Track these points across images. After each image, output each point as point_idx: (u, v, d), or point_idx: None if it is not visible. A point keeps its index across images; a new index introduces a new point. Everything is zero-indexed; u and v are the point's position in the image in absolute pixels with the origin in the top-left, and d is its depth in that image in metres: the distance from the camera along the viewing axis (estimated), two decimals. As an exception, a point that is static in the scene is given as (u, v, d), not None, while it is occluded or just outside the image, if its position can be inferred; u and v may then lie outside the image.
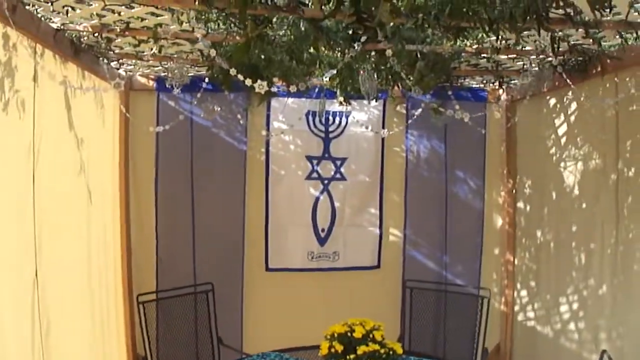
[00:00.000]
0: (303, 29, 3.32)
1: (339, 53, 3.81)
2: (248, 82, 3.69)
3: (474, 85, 6.79)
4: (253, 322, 6.79)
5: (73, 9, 4.06)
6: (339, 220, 6.92)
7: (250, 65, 4.13)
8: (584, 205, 5.68)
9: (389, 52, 3.65)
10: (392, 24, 3.16)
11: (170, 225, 6.55)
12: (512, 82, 6.51)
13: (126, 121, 6.30)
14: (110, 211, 6.19)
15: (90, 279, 5.56)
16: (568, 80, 4.90)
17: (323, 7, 2.56)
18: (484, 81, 6.60)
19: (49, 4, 3.79)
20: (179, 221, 6.57)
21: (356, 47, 3.39)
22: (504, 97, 6.81)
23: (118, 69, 6.00)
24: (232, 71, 3.87)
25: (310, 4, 2.91)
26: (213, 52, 3.89)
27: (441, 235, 6.98)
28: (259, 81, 3.66)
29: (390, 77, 4.60)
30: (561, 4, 2.81)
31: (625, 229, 5.01)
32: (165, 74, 5.85)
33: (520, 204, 6.87)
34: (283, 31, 3.40)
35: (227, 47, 4.33)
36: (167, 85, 5.33)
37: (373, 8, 2.70)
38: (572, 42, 4.70)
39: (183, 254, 6.58)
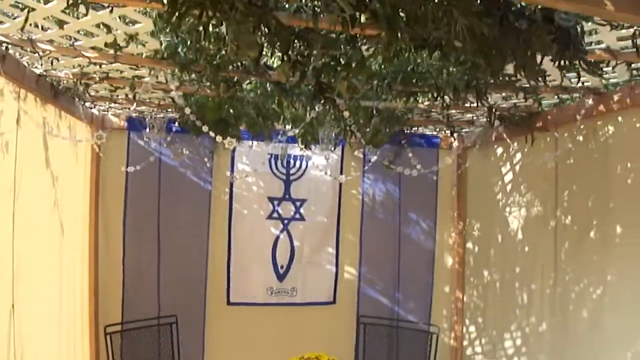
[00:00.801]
0: (269, 89, 3.69)
1: (302, 109, 4.19)
2: (219, 139, 4.05)
3: (427, 133, 7.18)
4: (215, 354, 7.06)
5: (57, 59, 4.38)
6: (298, 258, 7.26)
7: (220, 119, 4.49)
8: (526, 249, 6.10)
9: (346, 114, 4.05)
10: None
11: (136, 259, 6.82)
12: (463, 130, 6.91)
13: (98, 158, 6.60)
14: (80, 244, 6.47)
15: (60, 309, 5.83)
16: (508, 140, 5.31)
17: (287, 76, 2.93)
18: (437, 129, 7.00)
19: (35, 54, 4.09)
20: (145, 255, 6.84)
21: (316, 109, 3.77)
22: (455, 144, 7.22)
23: (91, 109, 6.30)
24: (204, 128, 4.22)
25: (276, 70, 3.28)
26: (188, 110, 4.25)
27: (394, 273, 7.34)
28: (228, 138, 4.01)
29: (348, 129, 4.98)
30: (501, 78, 3.20)
31: (562, 272, 5.42)
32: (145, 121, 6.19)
33: (469, 245, 7.27)
34: (252, 92, 3.76)
35: (198, 98, 4.68)
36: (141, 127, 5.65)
37: (333, 80, 3.09)
38: (515, 101, 5.14)
39: (148, 287, 6.83)
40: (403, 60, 3.23)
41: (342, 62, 3.01)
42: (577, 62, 2.58)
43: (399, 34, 2.32)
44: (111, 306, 6.73)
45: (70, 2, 2.72)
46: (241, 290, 7.18)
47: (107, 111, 6.61)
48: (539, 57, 2.65)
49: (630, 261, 4.56)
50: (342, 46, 2.91)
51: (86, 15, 3.09)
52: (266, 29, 2.47)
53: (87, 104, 6.07)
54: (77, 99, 5.71)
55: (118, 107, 6.24)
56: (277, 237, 7.21)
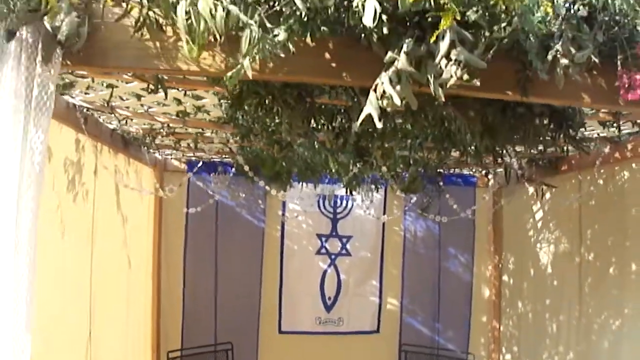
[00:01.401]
0: (316, 146, 4.28)
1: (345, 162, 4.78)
2: (273, 192, 4.67)
3: (464, 172, 7.70)
4: (267, 379, 7.65)
5: (131, 119, 5.03)
6: (344, 290, 7.83)
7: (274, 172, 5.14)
8: (555, 282, 6.58)
9: (384, 169, 4.64)
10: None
11: (195, 291, 7.46)
12: (499, 170, 7.41)
13: (160, 198, 7.24)
14: (145, 277, 7.12)
15: (127, 335, 6.49)
16: (530, 189, 5.82)
17: (332, 142, 3.53)
18: (473, 169, 7.52)
19: (112, 114, 4.73)
20: (204, 287, 7.45)
21: (358, 166, 4.36)
22: (491, 182, 7.71)
23: (155, 154, 6.96)
24: (261, 183, 4.86)
25: (322, 133, 3.85)
26: (243, 163, 4.88)
27: (434, 304, 7.84)
28: (281, 192, 4.62)
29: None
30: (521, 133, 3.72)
31: (586, 305, 5.91)
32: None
33: (505, 277, 7.74)
34: (301, 147, 4.35)
35: (254, 149, 5.30)
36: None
37: (370, 145, 3.69)
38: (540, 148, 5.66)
39: (206, 316, 7.43)
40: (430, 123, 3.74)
41: (377, 131, 3.59)
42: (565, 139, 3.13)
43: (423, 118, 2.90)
44: (172, 333, 7.35)
45: (151, 87, 3.30)
46: (292, 320, 7.76)
47: (169, 156, 7.24)
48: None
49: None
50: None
51: (165, 98, 3.71)
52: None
53: (151, 150, 6.70)
54: (143, 147, 6.34)
55: (179, 152, 6.87)
56: (325, 271, 7.78)
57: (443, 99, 2.10)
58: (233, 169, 6.44)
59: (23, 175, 2.50)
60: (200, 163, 7.04)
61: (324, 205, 7.72)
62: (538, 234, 6.94)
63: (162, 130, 5.48)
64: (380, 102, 2.09)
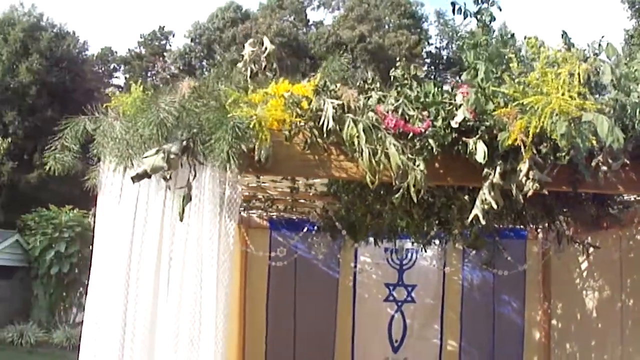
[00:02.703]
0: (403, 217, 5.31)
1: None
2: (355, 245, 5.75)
3: (516, 227, 8.59)
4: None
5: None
6: (409, 333, 8.72)
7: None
8: (599, 325, 7.42)
9: (456, 231, 5.64)
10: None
11: (276, 334, 8.43)
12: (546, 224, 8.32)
13: (246, 253, 8.23)
14: (232, 320, 8.06)
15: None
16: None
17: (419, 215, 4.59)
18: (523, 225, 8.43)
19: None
20: (284, 330, 8.39)
21: (435, 229, 5.39)
22: (540, 235, 8.61)
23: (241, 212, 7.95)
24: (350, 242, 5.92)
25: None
26: (344, 232, 5.94)
27: (490, 346, 8.63)
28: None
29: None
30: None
31: (627, 347, 6.74)
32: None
33: (553, 321, 8.56)
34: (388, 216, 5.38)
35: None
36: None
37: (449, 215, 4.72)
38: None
39: (286, 357, 8.39)
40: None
41: (456, 207, 4.61)
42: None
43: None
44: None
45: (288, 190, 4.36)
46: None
47: (253, 213, 8.25)
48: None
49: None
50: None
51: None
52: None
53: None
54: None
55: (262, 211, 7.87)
56: (392, 317, 8.70)
57: (522, 201, 3.13)
58: (315, 227, 7.40)
59: (219, 252, 3.56)
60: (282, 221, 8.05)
61: (391, 257, 8.68)
62: (583, 282, 7.78)
63: (261, 197, 6.51)
64: (482, 205, 3.12)
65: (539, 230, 8.42)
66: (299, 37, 51.10)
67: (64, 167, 4.13)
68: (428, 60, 56.96)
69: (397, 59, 3.86)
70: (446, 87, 3.67)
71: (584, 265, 7.76)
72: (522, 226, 8.30)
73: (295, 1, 56.03)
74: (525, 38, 3.42)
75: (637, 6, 38.05)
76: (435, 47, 60.12)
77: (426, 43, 57.02)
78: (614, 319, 6.95)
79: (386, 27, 53.83)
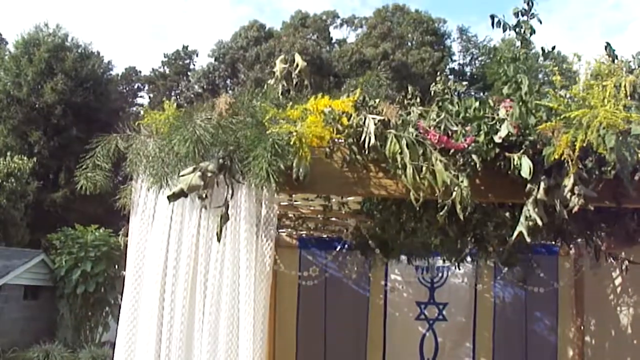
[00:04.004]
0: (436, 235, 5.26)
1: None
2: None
3: (548, 243, 8.51)
4: None
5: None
6: (441, 351, 8.62)
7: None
8: (635, 341, 7.34)
9: (490, 249, 5.57)
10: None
11: (307, 353, 8.36)
12: (579, 239, 8.22)
13: (275, 272, 8.17)
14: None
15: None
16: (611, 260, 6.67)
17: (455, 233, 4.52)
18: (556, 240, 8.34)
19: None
20: (314, 349, 8.35)
21: (470, 247, 5.32)
22: (572, 251, 8.52)
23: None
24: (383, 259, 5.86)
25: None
26: (377, 250, 5.87)
27: (523, 364, 8.62)
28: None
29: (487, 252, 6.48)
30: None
31: (663, 361, 6.69)
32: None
33: (587, 338, 8.46)
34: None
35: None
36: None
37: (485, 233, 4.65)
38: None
39: (317, 377, 8.36)
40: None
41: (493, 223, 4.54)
42: None
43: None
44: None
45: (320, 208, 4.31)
46: (395, 379, 8.60)
47: (282, 232, 8.21)
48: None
49: None
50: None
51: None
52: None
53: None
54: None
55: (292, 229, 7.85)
56: (424, 335, 8.61)
57: (566, 217, 3.06)
58: (345, 245, 7.36)
59: (256, 272, 3.51)
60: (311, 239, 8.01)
61: (422, 275, 8.61)
62: (617, 298, 7.70)
63: (292, 216, 6.47)
64: (527, 222, 3.05)
65: (571, 246, 8.34)
66: (322, 55, 51.32)
67: (96, 185, 4.10)
68: (451, 77, 56.96)
69: (435, 75, 3.82)
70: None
71: (618, 281, 7.68)
72: (554, 242, 8.24)
73: (319, 19, 56.37)
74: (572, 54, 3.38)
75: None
76: (459, 64, 60.19)
77: (449, 60, 57.07)
78: (649, 335, 6.88)
79: (409, 44, 53.96)
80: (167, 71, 57.32)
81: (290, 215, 6.45)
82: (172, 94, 54.27)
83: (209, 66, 55.96)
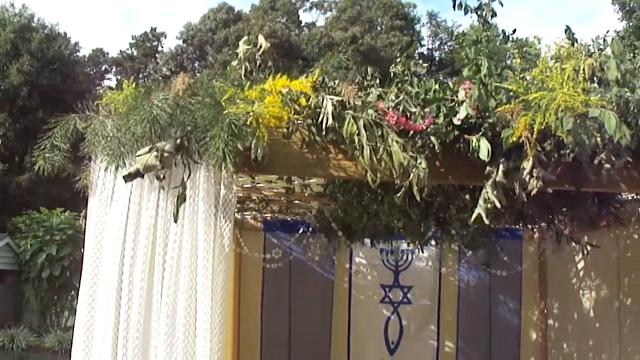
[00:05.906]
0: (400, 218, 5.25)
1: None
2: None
3: (512, 227, 8.55)
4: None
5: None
6: (406, 335, 8.65)
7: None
8: (597, 325, 7.38)
9: (453, 231, 5.57)
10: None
11: (272, 335, 8.37)
12: (542, 224, 8.27)
13: (240, 254, 8.15)
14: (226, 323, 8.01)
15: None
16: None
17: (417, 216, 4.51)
18: (519, 224, 8.38)
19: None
20: (279, 331, 8.36)
21: (432, 230, 5.32)
22: (536, 235, 8.57)
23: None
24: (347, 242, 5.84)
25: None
26: (340, 233, 5.86)
27: (486, 346, 8.58)
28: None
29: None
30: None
31: (625, 345, 6.70)
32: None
33: (550, 321, 8.52)
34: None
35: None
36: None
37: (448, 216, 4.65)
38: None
39: (282, 359, 8.35)
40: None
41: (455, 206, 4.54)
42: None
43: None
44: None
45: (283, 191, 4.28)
46: (359, 362, 8.62)
47: (247, 215, 8.18)
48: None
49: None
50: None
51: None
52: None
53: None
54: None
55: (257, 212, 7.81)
56: (389, 318, 8.64)
57: (525, 200, 3.05)
58: (310, 228, 7.34)
59: (214, 253, 3.48)
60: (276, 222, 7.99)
61: (387, 258, 8.61)
62: (580, 281, 7.74)
63: (255, 198, 6.44)
64: (486, 205, 3.05)
65: (534, 230, 8.39)
66: (291, 39, 51.05)
67: (54, 166, 4.04)
68: (420, 62, 56.81)
69: (396, 57, 3.79)
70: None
71: (581, 265, 7.72)
72: (518, 226, 8.29)
73: (288, 3, 56.04)
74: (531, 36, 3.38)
75: (627, 8, 38.13)
76: (428, 49, 60.18)
77: (418, 45, 57.06)
78: (611, 318, 6.93)
79: (378, 28, 53.82)
80: (135, 53, 56.72)
81: (254, 197, 6.41)
82: (140, 76, 53.68)
83: (177, 48, 55.49)
